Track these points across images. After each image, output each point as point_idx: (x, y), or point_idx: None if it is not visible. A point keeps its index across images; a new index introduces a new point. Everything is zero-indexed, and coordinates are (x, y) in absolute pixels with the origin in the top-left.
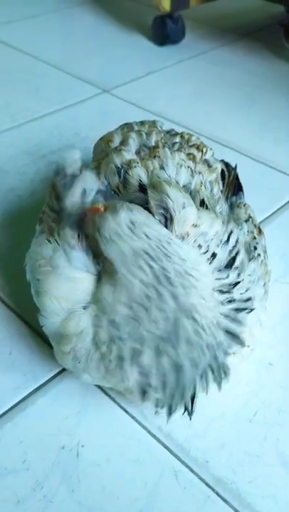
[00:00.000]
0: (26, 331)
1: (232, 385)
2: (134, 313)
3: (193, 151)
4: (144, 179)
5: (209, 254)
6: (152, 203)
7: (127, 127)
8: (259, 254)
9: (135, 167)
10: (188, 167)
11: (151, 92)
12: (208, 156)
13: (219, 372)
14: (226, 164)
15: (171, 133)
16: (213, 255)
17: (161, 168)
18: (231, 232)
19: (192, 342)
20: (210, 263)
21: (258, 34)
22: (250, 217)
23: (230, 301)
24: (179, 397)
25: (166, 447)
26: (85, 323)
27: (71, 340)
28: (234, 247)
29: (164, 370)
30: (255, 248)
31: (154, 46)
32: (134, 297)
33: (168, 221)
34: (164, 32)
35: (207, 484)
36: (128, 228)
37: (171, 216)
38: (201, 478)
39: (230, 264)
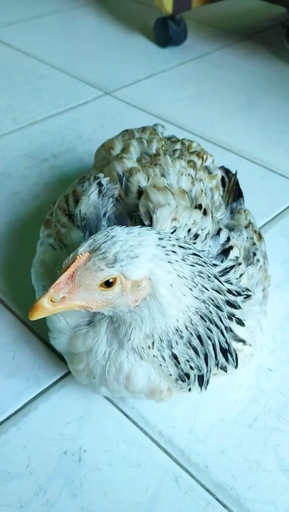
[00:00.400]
0: (29, 336)
1: (232, 390)
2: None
3: (194, 158)
4: (143, 184)
5: (192, 235)
6: (141, 209)
7: (128, 134)
8: (258, 260)
9: (136, 173)
10: (189, 175)
11: (153, 94)
12: (208, 163)
13: (231, 354)
14: (226, 171)
15: (172, 140)
16: (196, 236)
17: (162, 176)
18: (220, 230)
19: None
20: (193, 242)
21: (259, 36)
22: (250, 223)
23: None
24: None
25: (167, 453)
26: (91, 341)
27: (82, 359)
28: (226, 242)
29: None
30: (254, 254)
31: (156, 48)
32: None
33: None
34: (166, 34)
35: (207, 490)
36: None
37: (150, 217)
38: (201, 484)
39: (223, 253)
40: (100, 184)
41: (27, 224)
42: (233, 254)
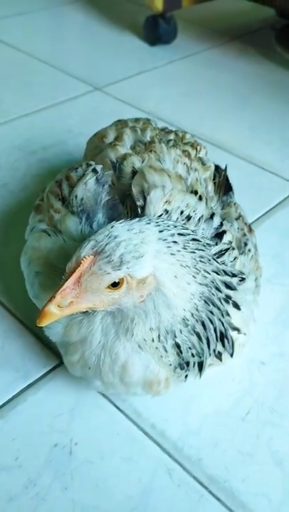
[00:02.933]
0: (19, 328)
1: (225, 383)
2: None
3: (188, 148)
4: (138, 165)
5: (184, 216)
6: (133, 188)
7: (121, 124)
8: (249, 250)
9: (130, 156)
10: (185, 163)
11: (142, 91)
12: (202, 154)
13: (228, 339)
14: (216, 166)
15: (165, 130)
16: (188, 217)
17: (158, 161)
18: (213, 214)
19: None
20: (184, 223)
21: (249, 37)
22: (240, 215)
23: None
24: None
25: (159, 445)
26: (86, 330)
27: (77, 349)
28: (220, 226)
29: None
30: (246, 244)
31: (145, 46)
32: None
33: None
34: (157, 32)
35: (200, 482)
36: None
37: (145, 197)
38: (194, 477)
39: (217, 237)
40: (94, 171)
41: (16, 215)
42: (226, 238)
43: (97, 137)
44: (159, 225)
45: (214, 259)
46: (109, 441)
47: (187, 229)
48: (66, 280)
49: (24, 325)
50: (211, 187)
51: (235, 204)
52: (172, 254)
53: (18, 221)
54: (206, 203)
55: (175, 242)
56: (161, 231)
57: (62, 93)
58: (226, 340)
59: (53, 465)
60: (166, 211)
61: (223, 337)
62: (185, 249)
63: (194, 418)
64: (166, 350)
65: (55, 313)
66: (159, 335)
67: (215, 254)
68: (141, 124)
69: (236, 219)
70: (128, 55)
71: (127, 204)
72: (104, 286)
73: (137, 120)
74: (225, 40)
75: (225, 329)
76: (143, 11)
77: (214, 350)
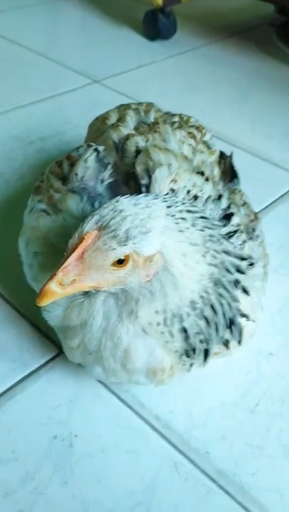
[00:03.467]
0: (15, 317)
1: (231, 374)
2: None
3: (193, 130)
4: (142, 145)
5: (191, 196)
6: (137, 167)
7: (123, 106)
8: (258, 236)
9: (134, 136)
10: (190, 145)
11: (142, 85)
12: (207, 138)
13: (236, 326)
14: (221, 153)
15: (169, 114)
16: (195, 197)
17: (163, 141)
18: (221, 196)
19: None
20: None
21: (248, 33)
22: (245, 202)
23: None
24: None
25: (164, 438)
26: (86, 312)
27: (77, 333)
28: (228, 208)
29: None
30: (254, 230)
31: (144, 41)
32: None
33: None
34: (156, 26)
35: (208, 476)
36: None
37: (150, 175)
38: (202, 470)
39: (225, 218)
40: (96, 150)
41: (12, 204)
42: (234, 220)
43: (99, 120)
44: (166, 201)
45: (224, 238)
46: (111, 433)
47: (196, 206)
48: (68, 257)
49: (20, 313)
50: (217, 171)
51: (240, 191)
52: (180, 231)
53: (15, 210)
54: (213, 184)
55: (183, 218)
56: (168, 206)
57: (60, 86)
58: (233, 327)
59: (52, 458)
60: (173, 190)
61: (231, 323)
62: (194, 226)
63: (200, 410)
64: (172, 335)
65: (56, 292)
66: (165, 318)
67: (224, 236)
68: (144, 106)
69: (242, 206)
70: (127, 50)
71: (131, 185)
72: (109, 263)
73: (140, 103)
74: (224, 36)
75: (233, 315)
76: (141, 6)
77: (222, 338)
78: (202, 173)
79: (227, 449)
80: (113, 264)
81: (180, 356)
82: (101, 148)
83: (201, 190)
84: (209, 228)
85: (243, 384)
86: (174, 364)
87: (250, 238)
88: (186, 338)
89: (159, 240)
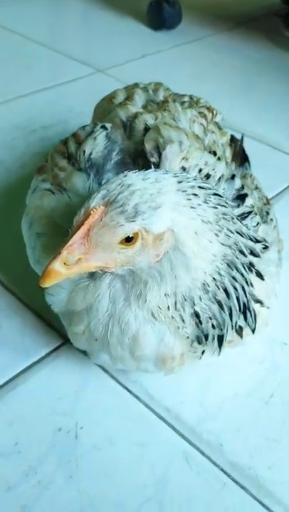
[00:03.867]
0: (18, 306)
1: (245, 364)
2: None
3: (204, 110)
4: (151, 123)
5: (203, 175)
6: (146, 144)
7: (131, 86)
8: (272, 219)
9: (142, 115)
10: (201, 124)
11: (147, 74)
12: (218, 119)
13: (250, 312)
14: (232, 136)
15: (179, 94)
16: (207, 176)
17: (173, 120)
18: (234, 176)
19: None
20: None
21: (254, 23)
22: (257, 187)
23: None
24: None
25: (175, 430)
26: (92, 296)
27: (83, 319)
28: (241, 188)
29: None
30: (267, 213)
31: (148, 31)
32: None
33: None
34: (161, 15)
35: (222, 470)
36: None
37: (159, 153)
38: (215, 464)
39: (239, 198)
40: (104, 127)
41: (13, 192)
42: (248, 201)
43: (106, 100)
44: (177, 176)
45: (238, 218)
46: (119, 425)
47: (208, 183)
48: (73, 234)
49: (23, 302)
50: (228, 153)
51: (251, 176)
52: (192, 207)
53: (17, 198)
54: (226, 164)
55: (195, 194)
56: (180, 182)
57: (62, 75)
58: (248, 313)
59: (57, 451)
60: (184, 169)
61: (245, 309)
62: (206, 203)
63: (213, 401)
64: (183, 320)
65: (60, 272)
66: (175, 302)
67: (238, 217)
68: (153, 85)
69: (254, 189)
70: (130, 40)
71: (139, 163)
72: (117, 241)
73: (148, 83)
74: (230, 26)
75: (247, 300)
76: None
77: (236, 324)
78: (214, 153)
79: (241, 442)
80: (121, 243)
81: (191, 343)
82: (108, 125)
83: (214, 169)
84: (222, 206)
85: (257, 374)
86: (184, 351)
87: (265, 222)
88: (198, 323)
89: (170, 216)
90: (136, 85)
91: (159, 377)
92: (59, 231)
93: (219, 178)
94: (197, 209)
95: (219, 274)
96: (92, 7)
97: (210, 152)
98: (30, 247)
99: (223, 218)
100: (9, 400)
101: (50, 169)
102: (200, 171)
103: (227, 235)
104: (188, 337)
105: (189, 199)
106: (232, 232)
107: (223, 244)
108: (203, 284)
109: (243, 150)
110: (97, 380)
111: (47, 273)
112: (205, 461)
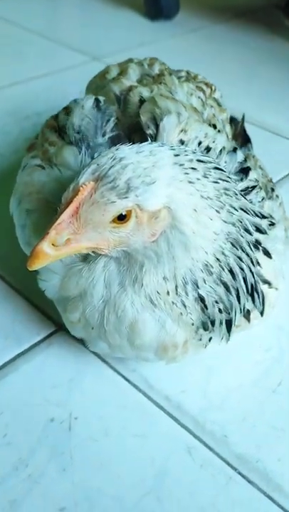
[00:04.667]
0: (8, 291)
1: (250, 351)
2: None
3: (202, 85)
4: (146, 95)
5: (203, 148)
6: (142, 116)
7: (124, 61)
8: (277, 196)
9: (137, 88)
10: (199, 97)
11: None
12: (217, 96)
13: (258, 294)
14: (232, 118)
15: (175, 70)
16: (207, 149)
17: (169, 92)
18: (236, 148)
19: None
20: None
21: (252, 14)
22: (260, 167)
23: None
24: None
25: (176, 420)
26: (85, 281)
27: (77, 306)
28: (244, 161)
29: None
30: (273, 190)
31: (145, 21)
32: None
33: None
34: (158, 4)
35: (228, 463)
36: None
37: (156, 124)
38: (220, 456)
39: (242, 172)
40: (96, 100)
41: (6, 177)
42: (252, 175)
43: (98, 76)
44: (174, 149)
45: (241, 194)
46: (116, 415)
47: (208, 156)
48: (62, 213)
49: (14, 288)
50: (229, 129)
51: (254, 157)
52: (190, 182)
53: (9, 183)
54: (227, 136)
55: (194, 168)
56: (176, 155)
57: (57, 63)
58: (256, 295)
59: (49, 442)
60: (182, 142)
61: (253, 290)
62: (206, 177)
63: (216, 389)
64: (185, 306)
65: (48, 254)
66: (176, 286)
67: (241, 191)
68: (148, 60)
69: (259, 168)
70: (127, 29)
71: (134, 138)
72: (109, 219)
73: (143, 59)
74: (228, 17)
75: (255, 281)
76: None
77: (244, 307)
78: (214, 126)
79: (248, 433)
80: (113, 221)
81: (196, 329)
82: (102, 98)
83: (214, 141)
84: (224, 180)
85: (264, 362)
86: (188, 339)
87: (270, 198)
88: (204, 308)
89: (166, 192)
90: (130, 60)
91: (160, 366)
92: (50, 208)
93: (220, 151)
94: (196, 184)
95: (223, 254)
96: None
97: (209, 125)
98: (20, 226)
99: (225, 194)
100: None
101: (41, 145)
102: (200, 143)
103: (230, 212)
104: (192, 323)
105: (187, 173)
106: (235, 209)
107: (225, 222)
108: (206, 264)
109: (244, 130)
110: (93, 369)
111: (34, 254)
112: (209, 453)
